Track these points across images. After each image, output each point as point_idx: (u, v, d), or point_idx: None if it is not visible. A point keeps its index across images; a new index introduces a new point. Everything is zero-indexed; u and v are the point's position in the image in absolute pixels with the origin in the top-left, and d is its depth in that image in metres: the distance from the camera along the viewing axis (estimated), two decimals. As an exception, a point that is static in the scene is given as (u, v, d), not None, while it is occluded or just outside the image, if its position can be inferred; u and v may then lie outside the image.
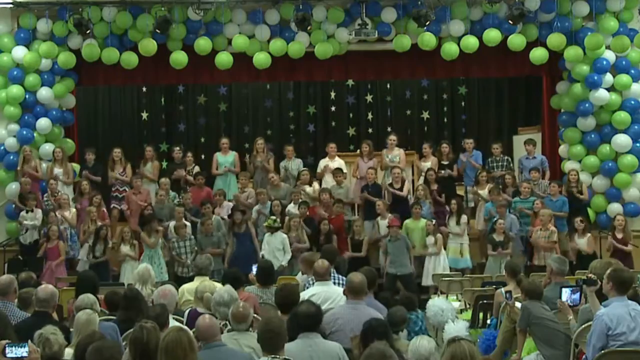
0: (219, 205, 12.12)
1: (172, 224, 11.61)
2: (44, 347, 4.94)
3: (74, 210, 12.07)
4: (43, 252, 11.44)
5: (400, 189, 12.36)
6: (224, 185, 12.80)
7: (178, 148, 13.43)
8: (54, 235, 11.43)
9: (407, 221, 11.74)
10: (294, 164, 13.06)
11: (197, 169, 13.06)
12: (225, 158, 13.03)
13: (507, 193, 12.17)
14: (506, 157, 13.18)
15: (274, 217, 11.46)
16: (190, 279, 9.32)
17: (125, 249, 11.39)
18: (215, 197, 12.24)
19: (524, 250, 11.77)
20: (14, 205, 12.47)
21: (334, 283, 6.97)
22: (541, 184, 12.44)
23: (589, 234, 11.52)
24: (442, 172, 12.75)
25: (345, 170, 12.86)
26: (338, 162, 12.99)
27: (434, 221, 11.76)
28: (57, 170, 12.48)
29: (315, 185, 12.70)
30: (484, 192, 12.30)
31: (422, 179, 12.87)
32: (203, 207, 11.79)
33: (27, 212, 11.75)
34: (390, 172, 12.53)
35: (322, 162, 13.13)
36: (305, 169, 12.94)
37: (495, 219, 11.50)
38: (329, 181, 12.80)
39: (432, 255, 11.57)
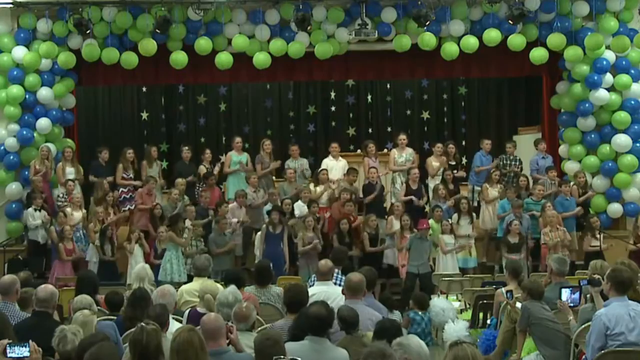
0: (240, 206, 12.03)
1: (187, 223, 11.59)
2: (58, 342, 4.96)
3: (84, 210, 12.06)
4: (57, 252, 11.35)
5: (418, 190, 12.37)
6: (236, 185, 12.72)
7: (187, 148, 13.28)
8: (69, 236, 11.39)
9: (430, 221, 11.71)
10: (299, 164, 13.04)
11: (216, 169, 12.96)
12: (240, 158, 12.98)
13: (521, 196, 12.21)
14: (518, 157, 13.20)
15: None
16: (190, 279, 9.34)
17: (135, 249, 11.34)
18: (237, 198, 12.10)
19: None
20: (14, 205, 12.48)
21: (335, 284, 6.97)
22: (555, 183, 12.48)
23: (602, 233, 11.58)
24: (455, 172, 12.75)
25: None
26: (344, 162, 12.97)
27: (449, 220, 11.75)
28: (69, 170, 12.49)
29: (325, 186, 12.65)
30: (495, 190, 12.34)
31: (432, 179, 12.81)
32: (219, 207, 11.73)
33: (35, 210, 11.72)
34: (408, 173, 12.51)
35: (328, 163, 13.01)
36: (324, 168, 12.81)
37: (511, 220, 11.48)
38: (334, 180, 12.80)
39: (453, 254, 11.57)
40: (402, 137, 13.02)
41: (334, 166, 12.90)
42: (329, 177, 12.64)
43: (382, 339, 4.75)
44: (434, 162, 12.92)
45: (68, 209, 11.81)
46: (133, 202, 12.35)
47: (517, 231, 11.33)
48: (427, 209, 12.53)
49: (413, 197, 12.26)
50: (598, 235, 11.49)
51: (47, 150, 12.40)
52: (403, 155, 12.85)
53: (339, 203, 12.06)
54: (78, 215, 11.88)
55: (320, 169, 12.81)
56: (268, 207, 12.10)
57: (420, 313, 8.10)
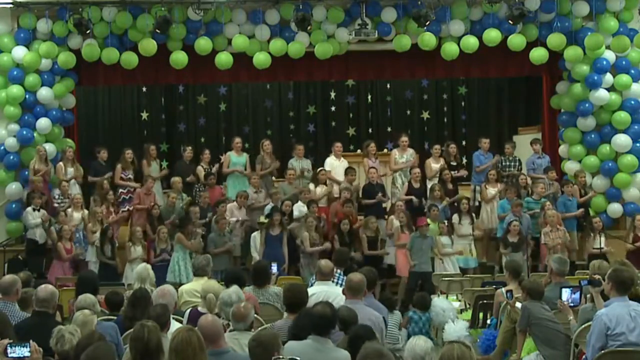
0: (241, 207, 12.00)
1: None
2: (56, 342, 4.97)
3: (86, 211, 12.06)
4: (56, 252, 11.34)
5: (419, 189, 12.38)
6: (235, 185, 12.71)
7: (190, 148, 13.33)
8: (67, 235, 11.38)
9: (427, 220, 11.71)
10: (304, 164, 13.03)
11: (215, 168, 12.92)
12: (239, 159, 12.95)
13: (521, 195, 12.21)
14: (518, 157, 13.20)
15: (262, 216, 11.60)
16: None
17: (135, 249, 11.36)
18: (238, 198, 12.05)
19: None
20: (14, 205, 12.47)
21: (336, 284, 6.97)
22: (555, 184, 12.47)
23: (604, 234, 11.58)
24: (456, 172, 12.78)
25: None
26: (345, 162, 12.96)
27: (446, 222, 11.76)
28: (69, 170, 12.50)
29: (327, 186, 12.63)
30: (494, 190, 12.35)
31: (431, 180, 12.80)
32: (219, 206, 11.72)
33: (34, 210, 11.71)
34: (410, 172, 12.54)
35: (332, 162, 12.97)
36: (322, 168, 12.81)
37: (511, 220, 11.49)
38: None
39: (450, 256, 11.54)
40: (404, 139, 13.02)
41: (338, 166, 12.88)
42: (328, 177, 12.62)
43: (356, 346, 4.61)
44: (432, 164, 12.94)
45: (69, 210, 11.82)
46: (132, 204, 12.35)
47: (517, 231, 11.33)
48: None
49: (413, 197, 12.26)
50: (599, 237, 11.44)
51: (45, 151, 12.41)
52: (404, 156, 12.88)
53: (338, 202, 12.05)
54: (78, 215, 11.89)
55: (319, 169, 12.80)
56: (268, 207, 12.09)
57: (419, 313, 8.10)
